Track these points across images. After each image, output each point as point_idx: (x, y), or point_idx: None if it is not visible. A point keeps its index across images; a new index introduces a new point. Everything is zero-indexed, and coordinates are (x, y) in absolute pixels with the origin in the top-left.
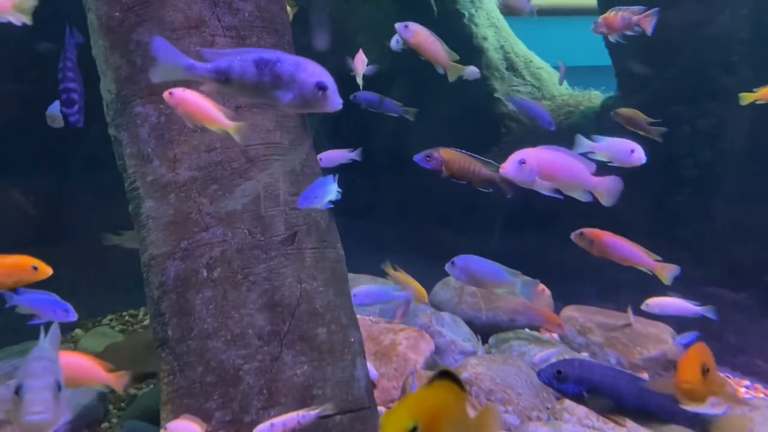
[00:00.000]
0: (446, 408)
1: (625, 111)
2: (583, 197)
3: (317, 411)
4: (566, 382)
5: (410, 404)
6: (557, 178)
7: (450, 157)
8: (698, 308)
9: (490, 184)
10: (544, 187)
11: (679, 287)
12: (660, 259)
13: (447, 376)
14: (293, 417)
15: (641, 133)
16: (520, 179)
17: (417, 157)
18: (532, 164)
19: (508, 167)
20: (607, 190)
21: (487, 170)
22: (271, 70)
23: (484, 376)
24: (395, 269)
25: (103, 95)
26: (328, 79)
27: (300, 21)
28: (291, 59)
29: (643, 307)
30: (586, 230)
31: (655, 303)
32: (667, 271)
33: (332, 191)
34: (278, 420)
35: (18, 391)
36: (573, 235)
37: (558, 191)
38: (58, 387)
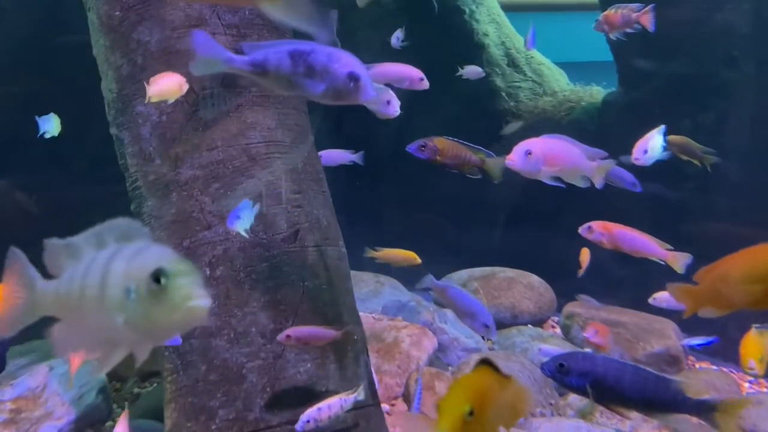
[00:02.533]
0: (491, 392)
1: (675, 139)
2: (581, 183)
3: (354, 395)
4: (569, 375)
5: (464, 389)
6: (560, 165)
7: (443, 145)
8: None
9: (479, 171)
10: (547, 176)
11: (681, 283)
12: (671, 248)
13: (487, 364)
14: (336, 401)
15: (695, 161)
16: (526, 170)
17: (410, 147)
18: (537, 154)
19: (515, 158)
20: (602, 172)
21: (476, 157)
22: (305, 61)
23: None
24: (376, 250)
25: (104, 94)
26: (360, 70)
27: None
28: (324, 50)
29: (650, 300)
30: (595, 223)
31: (663, 297)
32: (680, 260)
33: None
34: (324, 404)
35: (159, 277)
36: (582, 230)
37: (559, 180)
38: None
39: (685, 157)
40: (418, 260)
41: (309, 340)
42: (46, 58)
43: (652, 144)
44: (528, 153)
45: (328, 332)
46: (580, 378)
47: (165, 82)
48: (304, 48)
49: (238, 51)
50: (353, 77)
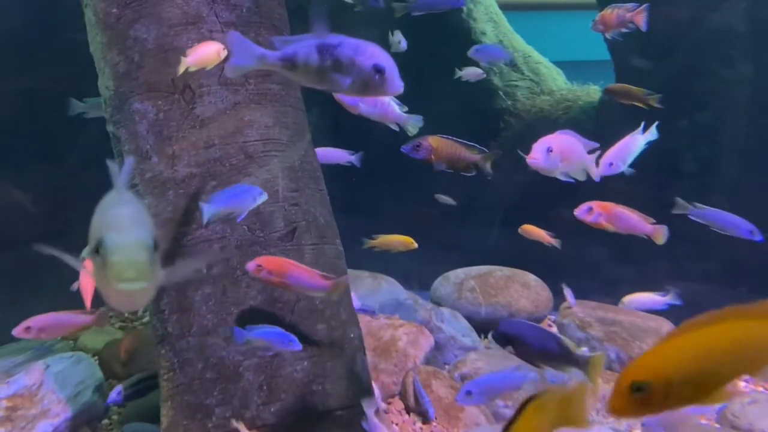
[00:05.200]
0: None
1: (615, 87)
2: (581, 176)
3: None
4: (501, 337)
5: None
6: (572, 160)
7: (438, 144)
8: (665, 299)
9: (473, 167)
10: (563, 172)
11: (678, 283)
12: (654, 221)
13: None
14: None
15: (639, 104)
16: (547, 167)
17: (405, 148)
18: (556, 151)
19: (538, 157)
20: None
21: (470, 154)
22: (332, 54)
23: (484, 371)
24: (374, 239)
25: (101, 92)
26: (386, 61)
27: (299, 16)
28: (351, 43)
29: (619, 305)
30: (594, 203)
31: (630, 300)
32: (660, 234)
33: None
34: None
35: (99, 248)
36: (580, 211)
37: (567, 175)
38: (154, 244)
39: (629, 103)
40: (415, 244)
41: (55, 329)
42: (42, 55)
43: (621, 155)
44: (549, 150)
45: (78, 318)
46: (506, 338)
47: (202, 50)
48: (332, 41)
49: (262, 44)
50: (378, 69)
